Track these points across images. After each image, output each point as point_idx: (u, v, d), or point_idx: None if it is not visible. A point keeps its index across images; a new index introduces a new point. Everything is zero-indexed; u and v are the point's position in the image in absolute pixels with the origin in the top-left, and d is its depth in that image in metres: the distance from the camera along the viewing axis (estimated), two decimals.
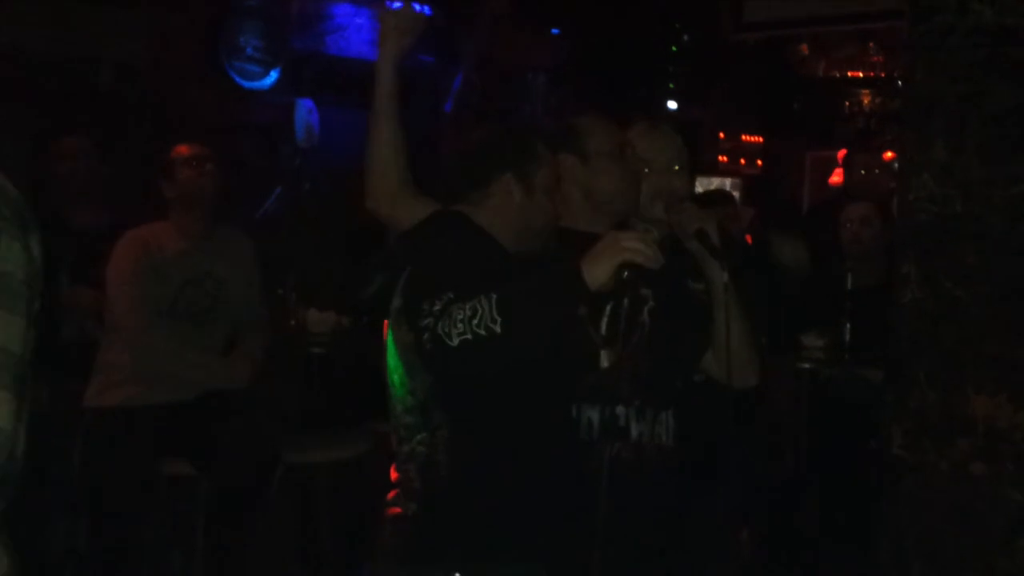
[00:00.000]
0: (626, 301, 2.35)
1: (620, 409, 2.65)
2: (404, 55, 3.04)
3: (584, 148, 2.84)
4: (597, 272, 2.35)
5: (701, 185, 7.87)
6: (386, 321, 2.91)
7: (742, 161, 10.81)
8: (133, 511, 4.25)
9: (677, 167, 3.12)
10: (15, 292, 1.61)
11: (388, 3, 7.50)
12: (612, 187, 2.84)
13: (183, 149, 4.48)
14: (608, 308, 2.36)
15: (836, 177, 10.03)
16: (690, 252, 2.85)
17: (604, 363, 2.47)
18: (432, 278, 2.53)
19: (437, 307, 2.41)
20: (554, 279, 2.42)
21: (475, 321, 2.33)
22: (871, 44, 9.63)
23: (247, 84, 7.20)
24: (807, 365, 5.14)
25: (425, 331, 2.41)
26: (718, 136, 10.57)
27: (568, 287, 2.38)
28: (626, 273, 2.34)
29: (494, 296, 2.34)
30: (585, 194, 2.83)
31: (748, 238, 5.46)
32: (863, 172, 6.41)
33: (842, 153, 9.64)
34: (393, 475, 2.86)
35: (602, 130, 2.89)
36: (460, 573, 2.57)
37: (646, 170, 3.02)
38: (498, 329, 2.32)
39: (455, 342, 2.35)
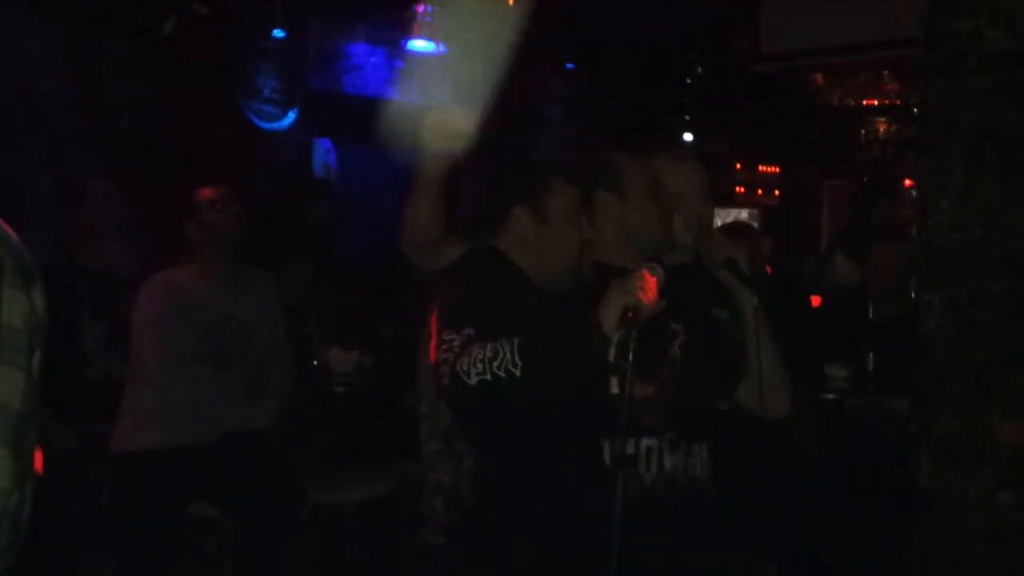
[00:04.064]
0: (633, 333, 2.37)
1: (653, 441, 2.67)
2: (448, 157, 3.04)
3: (621, 185, 2.88)
4: (608, 318, 2.39)
5: (719, 216, 7.86)
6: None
7: (759, 191, 10.82)
8: (160, 553, 4.25)
9: (704, 197, 3.16)
10: (16, 345, 1.59)
11: (402, 42, 7.56)
12: (647, 224, 2.89)
13: (206, 191, 4.50)
14: (614, 338, 2.39)
15: None
16: (717, 281, 2.88)
17: (614, 389, 2.50)
18: (455, 309, 2.57)
19: (457, 342, 2.45)
20: (575, 328, 2.46)
21: (496, 363, 2.36)
22: (886, 72, 9.64)
23: (265, 125, 7.24)
24: (831, 395, 5.12)
25: (444, 365, 2.45)
26: (735, 167, 10.59)
27: (589, 336, 2.41)
28: (629, 313, 2.37)
29: (516, 341, 2.38)
30: (620, 229, 2.87)
31: (769, 269, 5.45)
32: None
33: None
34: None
35: (637, 168, 2.94)
36: None
37: (676, 197, 3.06)
38: (518, 373, 2.35)
39: (473, 380, 2.39)
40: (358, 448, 5.54)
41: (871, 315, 5.14)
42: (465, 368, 2.40)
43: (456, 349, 2.45)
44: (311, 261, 6.01)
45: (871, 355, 5.08)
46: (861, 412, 5.05)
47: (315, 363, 5.49)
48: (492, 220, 2.84)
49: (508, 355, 2.37)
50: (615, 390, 2.48)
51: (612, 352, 2.42)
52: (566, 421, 2.63)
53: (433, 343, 2.57)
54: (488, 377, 2.38)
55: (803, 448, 5.03)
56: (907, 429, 3.49)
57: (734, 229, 6.13)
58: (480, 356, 2.40)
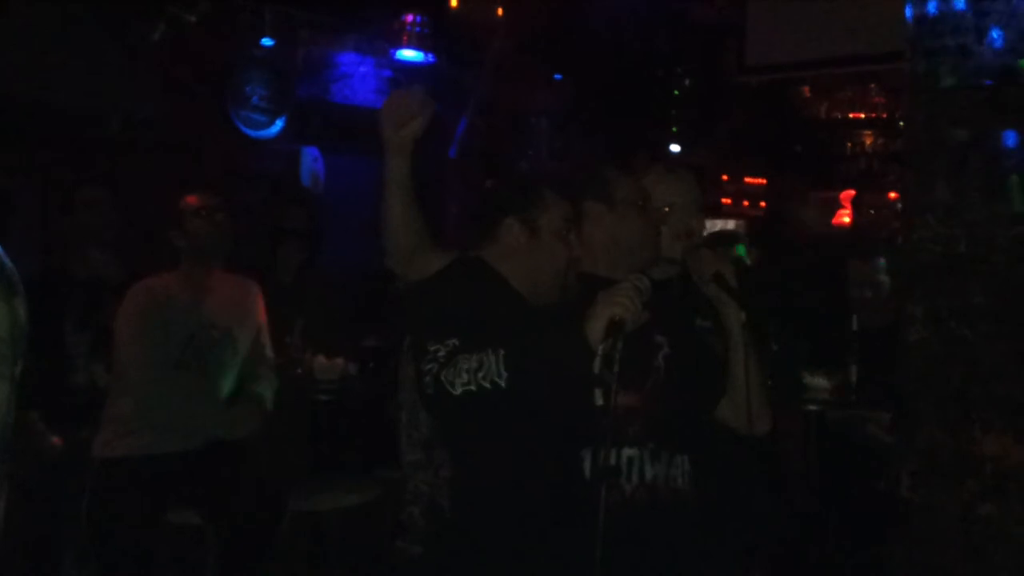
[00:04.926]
0: (619, 344, 2.38)
1: (634, 451, 2.68)
2: (412, 141, 3.04)
3: (610, 196, 2.89)
4: (595, 330, 2.41)
5: (705, 228, 7.85)
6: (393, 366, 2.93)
7: (745, 203, 10.84)
8: (142, 560, 4.24)
9: (696, 210, 3.18)
10: (1, 355, 1.58)
11: (391, 52, 7.58)
12: (636, 236, 2.89)
13: (193, 199, 4.50)
14: (599, 350, 2.40)
15: (840, 218, 10.06)
16: (702, 293, 2.89)
17: (599, 401, 2.51)
18: (439, 320, 2.57)
19: (442, 353, 2.46)
20: (561, 339, 2.47)
21: (480, 373, 2.37)
22: (872, 85, 9.68)
23: (253, 133, 7.24)
24: (814, 407, 5.14)
25: (428, 375, 2.46)
26: (721, 178, 10.61)
27: (574, 347, 2.42)
28: (614, 324, 2.39)
29: (502, 352, 2.39)
30: (610, 240, 2.88)
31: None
32: (872, 211, 6.41)
33: (845, 194, 9.69)
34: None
35: (627, 182, 2.95)
36: None
37: (666, 209, 3.08)
38: (503, 384, 2.36)
39: (458, 391, 2.40)
40: (341, 456, 5.54)
41: (855, 327, 5.15)
42: (450, 378, 2.41)
43: (441, 359, 2.46)
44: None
45: (854, 367, 5.09)
46: (844, 423, 5.07)
47: (299, 371, 5.48)
48: (483, 229, 2.85)
49: (493, 366, 2.38)
50: (599, 402, 2.49)
51: (597, 363, 2.42)
52: (548, 432, 2.64)
53: (415, 353, 2.58)
54: (473, 387, 2.39)
55: (785, 459, 5.05)
56: (890, 441, 3.51)
57: (719, 239, 6.15)
58: (465, 366, 2.40)
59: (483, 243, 2.84)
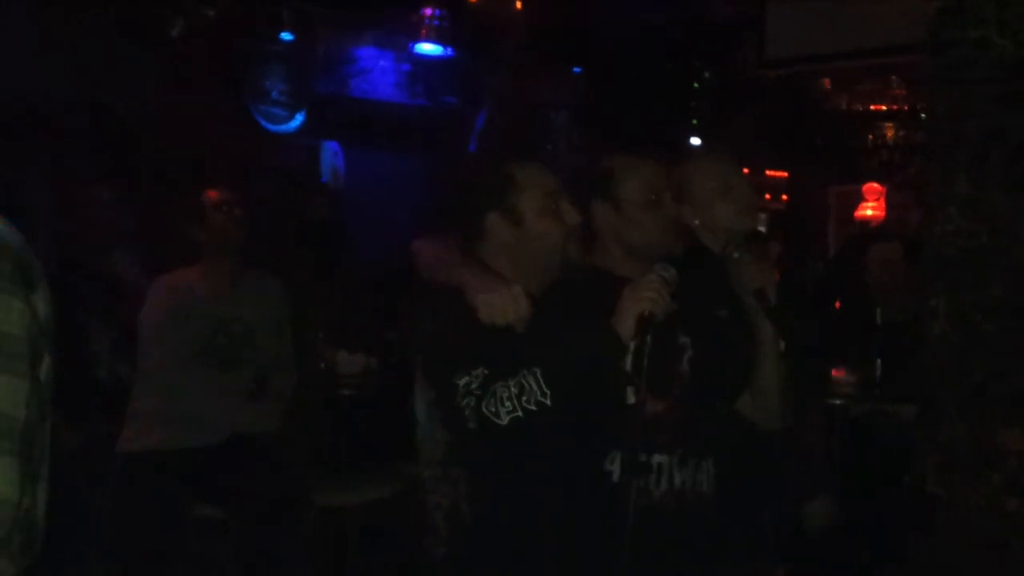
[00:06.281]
0: (648, 339, 2.37)
1: (664, 458, 2.66)
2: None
3: (617, 195, 2.82)
4: (625, 327, 2.38)
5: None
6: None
7: (767, 196, 10.80)
8: (165, 555, 4.26)
9: (738, 181, 3.12)
10: (15, 353, 1.56)
11: (410, 46, 7.58)
12: (644, 237, 2.82)
13: (213, 194, 4.51)
14: (631, 347, 2.37)
15: (861, 211, 10.02)
16: (725, 276, 2.86)
17: (630, 399, 2.49)
18: (459, 350, 2.52)
19: (475, 385, 2.40)
20: (593, 342, 2.44)
21: (524, 398, 2.33)
22: (893, 78, 9.63)
23: (272, 127, 7.25)
24: (838, 401, 5.11)
25: (467, 409, 2.41)
26: (742, 171, 10.57)
27: (608, 348, 2.40)
28: (644, 320, 2.37)
29: (538, 371, 2.35)
30: (616, 240, 2.83)
31: (777, 274, 5.44)
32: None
33: (867, 187, 9.64)
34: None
35: (636, 175, 2.86)
36: None
37: (728, 188, 3.05)
38: (549, 403, 2.33)
39: (505, 420, 2.35)
40: (364, 451, 5.54)
41: (878, 320, 5.14)
42: (492, 409, 2.37)
43: (476, 392, 2.40)
44: (314, 258, 6.03)
45: (878, 361, 5.07)
46: (868, 418, 5.05)
47: (321, 365, 5.49)
48: (469, 231, 2.77)
49: (534, 387, 2.34)
50: (632, 400, 2.46)
51: (628, 361, 2.40)
52: (582, 436, 2.61)
53: (435, 382, 2.52)
54: (520, 414, 2.34)
55: (808, 453, 5.03)
56: (913, 435, 3.49)
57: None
58: (506, 394, 2.36)
59: (474, 244, 2.76)
